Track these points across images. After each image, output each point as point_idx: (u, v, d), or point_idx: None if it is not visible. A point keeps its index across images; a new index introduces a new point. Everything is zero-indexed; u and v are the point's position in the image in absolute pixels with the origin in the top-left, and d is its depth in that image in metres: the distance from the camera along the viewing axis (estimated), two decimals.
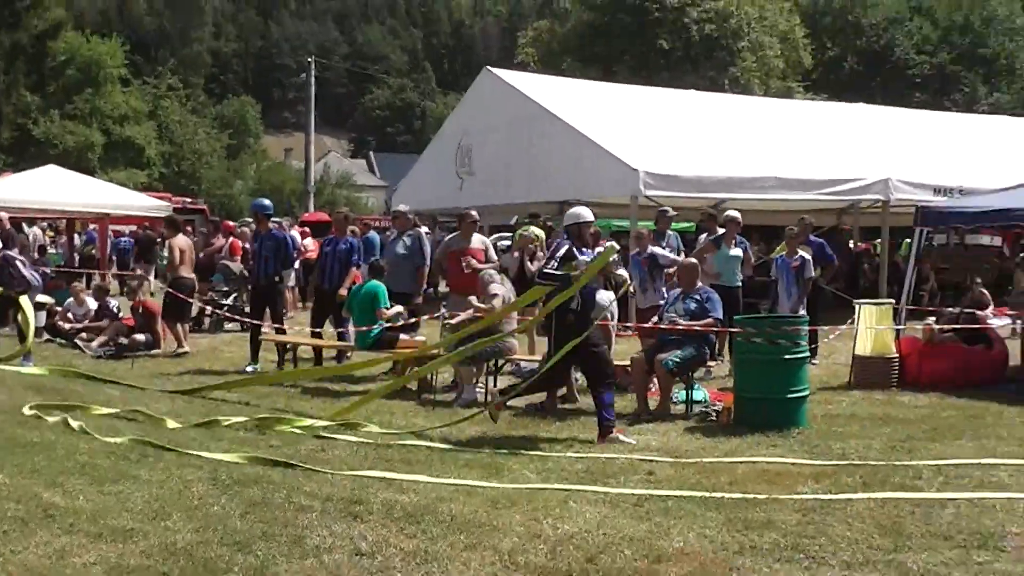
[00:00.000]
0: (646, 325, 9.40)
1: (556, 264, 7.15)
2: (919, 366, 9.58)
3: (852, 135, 17.42)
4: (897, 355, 9.69)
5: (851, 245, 18.16)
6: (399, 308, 9.77)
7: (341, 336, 10.70)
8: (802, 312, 9.98)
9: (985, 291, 11.46)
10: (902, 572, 4.39)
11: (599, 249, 7.79)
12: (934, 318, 10.73)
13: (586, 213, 7.65)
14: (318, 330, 10.85)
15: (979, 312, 10.55)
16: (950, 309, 10.85)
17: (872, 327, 9.73)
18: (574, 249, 7.29)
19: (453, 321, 9.05)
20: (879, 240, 17.09)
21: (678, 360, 8.09)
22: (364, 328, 9.53)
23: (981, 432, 7.47)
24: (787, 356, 7.51)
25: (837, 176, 14.55)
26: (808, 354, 8.12)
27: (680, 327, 8.40)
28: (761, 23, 41.25)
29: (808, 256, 10.80)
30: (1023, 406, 8.45)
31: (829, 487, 5.82)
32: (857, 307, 10.07)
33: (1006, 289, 15.33)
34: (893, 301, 10.55)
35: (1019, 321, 11.70)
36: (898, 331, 10.07)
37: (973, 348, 9.97)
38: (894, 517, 5.20)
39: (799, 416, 7.55)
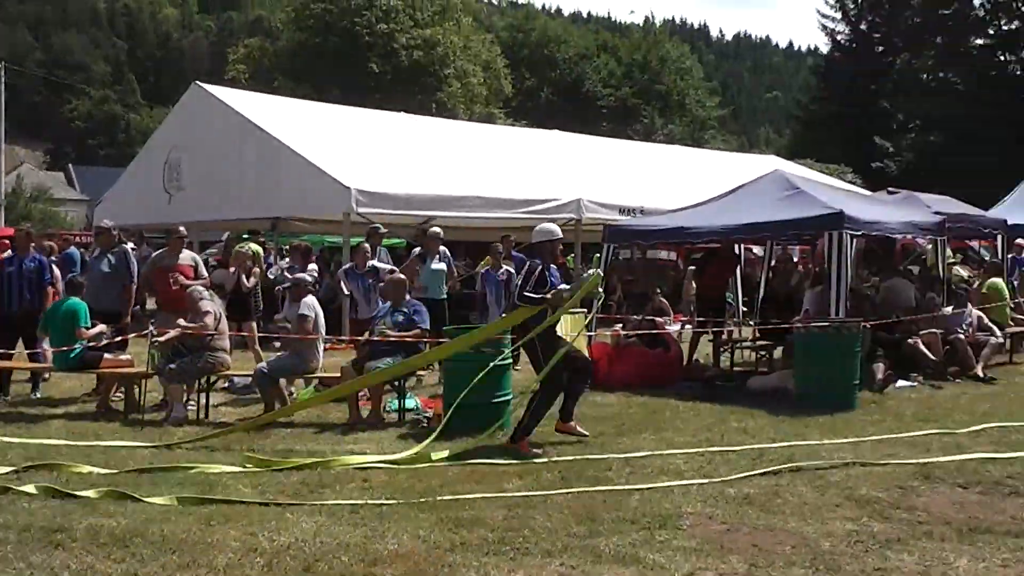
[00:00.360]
0: (359, 337, 9.59)
1: (532, 286, 7.21)
2: (608, 369, 10.42)
3: (548, 159, 18.56)
4: (591, 359, 10.48)
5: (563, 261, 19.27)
6: (101, 327, 9.19)
7: (34, 357, 9.87)
8: None
9: (664, 300, 12.70)
10: (596, 555, 4.77)
11: (590, 272, 7.71)
12: (621, 325, 11.76)
13: (556, 231, 7.74)
14: (10, 352, 9.91)
15: (658, 319, 11.67)
16: (635, 317, 11.92)
17: (568, 334, 10.46)
18: (546, 271, 7.37)
19: (162, 339, 8.69)
20: (573, 255, 18.31)
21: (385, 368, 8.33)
22: (64, 348, 8.88)
23: (661, 426, 8.24)
24: (492, 363, 7.90)
25: (535, 196, 15.47)
26: (512, 361, 8.62)
27: (391, 338, 8.64)
28: (466, 52, 42.93)
29: (512, 270, 11.49)
30: (694, 401, 9.44)
31: (532, 483, 6.20)
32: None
33: (679, 298, 17.00)
34: (585, 310, 11.40)
35: (688, 326, 13.01)
36: (590, 337, 10.93)
37: (654, 351, 11.00)
38: (588, 507, 5.63)
39: (504, 419, 7.96)
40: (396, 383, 8.69)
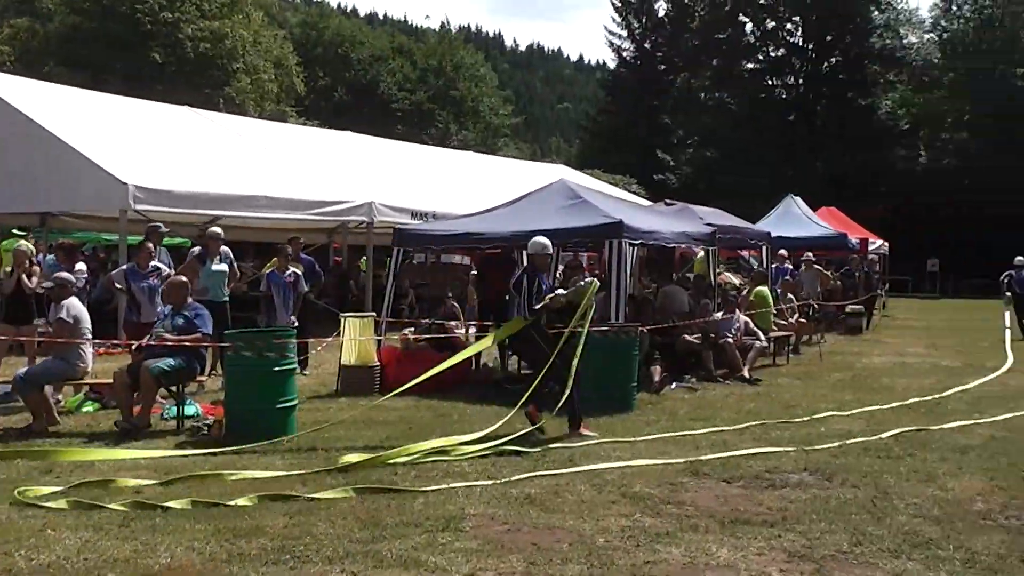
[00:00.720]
0: (132, 341, 9.08)
1: (535, 299, 8.07)
2: (397, 372, 10.39)
3: (340, 160, 18.30)
4: (378, 363, 10.46)
5: (340, 262, 19.04)
6: None
7: None
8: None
9: (456, 304, 12.80)
10: (378, 560, 4.75)
11: (587, 279, 8.68)
12: (411, 328, 11.77)
13: (548, 246, 8.54)
14: None
15: (448, 323, 11.76)
16: (425, 320, 11.97)
17: (356, 338, 10.39)
18: (540, 280, 8.21)
19: None
20: (365, 258, 18.17)
21: (165, 368, 8.02)
22: None
23: (449, 429, 8.30)
24: (276, 368, 7.72)
25: (326, 198, 15.21)
26: (296, 365, 8.44)
27: (168, 342, 8.25)
28: (256, 47, 41.61)
29: (299, 272, 11.26)
30: (481, 404, 9.60)
31: (315, 490, 6.08)
32: (343, 320, 10.68)
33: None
34: (375, 314, 11.36)
35: (474, 329, 13.20)
36: (379, 341, 10.88)
37: (442, 355, 11.07)
38: (373, 511, 5.60)
39: (289, 425, 7.79)
40: (173, 389, 8.31)
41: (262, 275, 12.18)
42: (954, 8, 51.71)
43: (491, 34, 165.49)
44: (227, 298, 10.92)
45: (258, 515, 5.48)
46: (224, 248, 11.16)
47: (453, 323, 11.99)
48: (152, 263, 10.18)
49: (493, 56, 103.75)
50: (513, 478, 6.43)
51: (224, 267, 10.91)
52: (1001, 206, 44.23)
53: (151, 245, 10.55)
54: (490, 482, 6.35)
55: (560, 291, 8.45)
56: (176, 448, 7.42)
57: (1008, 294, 19.34)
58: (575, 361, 7.97)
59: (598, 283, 8.67)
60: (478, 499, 5.95)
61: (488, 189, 18.16)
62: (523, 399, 8.06)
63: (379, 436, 7.89)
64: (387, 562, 4.74)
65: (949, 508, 5.83)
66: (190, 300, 8.89)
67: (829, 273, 21.17)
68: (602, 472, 6.69)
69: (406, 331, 11.78)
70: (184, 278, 9.30)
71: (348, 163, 18.23)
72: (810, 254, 19.04)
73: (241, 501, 5.71)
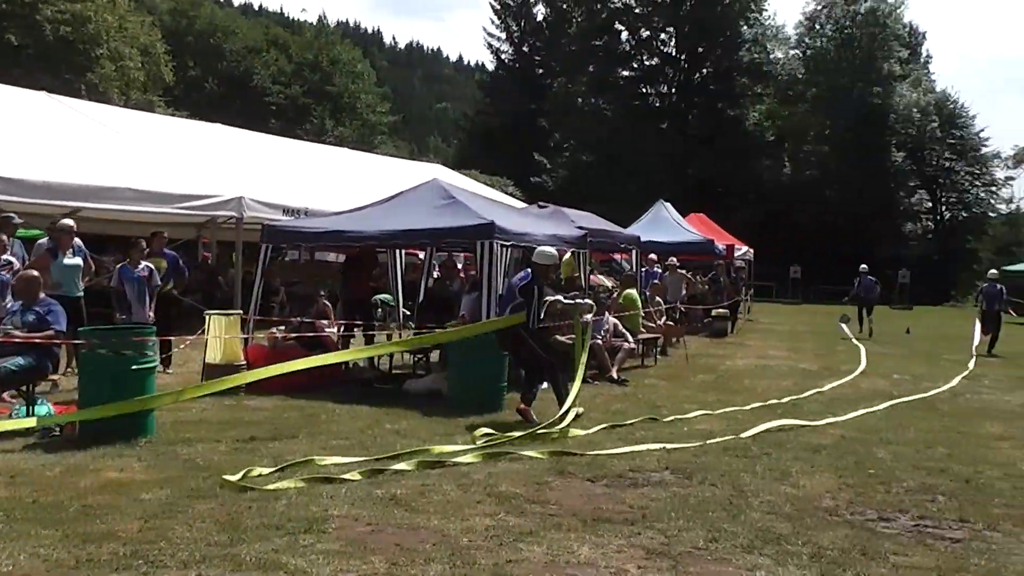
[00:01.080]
0: None
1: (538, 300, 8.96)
2: None
3: (210, 153, 17.75)
4: (245, 362, 10.20)
5: (209, 257, 18.51)
6: None
7: None
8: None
9: (328, 303, 12.60)
10: (236, 563, 4.63)
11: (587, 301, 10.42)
12: (282, 327, 11.53)
13: (555, 256, 9.55)
14: None
15: (319, 321, 11.58)
16: (295, 319, 11.74)
17: (221, 336, 10.11)
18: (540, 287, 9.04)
19: None
20: (234, 253, 17.68)
21: (13, 368, 7.69)
22: None
23: (316, 429, 8.20)
24: (134, 366, 7.44)
25: (194, 191, 14.71)
26: (156, 363, 8.15)
27: (17, 339, 7.85)
28: (121, 33, 39.96)
29: (153, 267, 10.94)
30: (351, 404, 9.49)
31: (173, 492, 5.90)
32: (208, 317, 10.38)
33: None
34: (242, 312, 11.08)
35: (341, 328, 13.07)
36: (246, 339, 10.62)
37: (313, 354, 10.90)
38: (233, 514, 5.46)
39: (148, 425, 7.52)
40: (24, 388, 7.91)
41: (114, 270, 11.72)
42: (817, 27, 54.26)
43: (370, 30, 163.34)
44: (82, 293, 10.47)
45: (111, 519, 5.27)
46: (77, 241, 10.69)
47: (324, 322, 11.81)
48: (3, 256, 9.67)
49: (372, 53, 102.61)
50: (379, 479, 6.38)
51: (78, 261, 10.46)
52: (854, 218, 46.94)
53: (4, 237, 10.03)
54: (355, 482, 6.28)
55: (559, 298, 9.53)
56: (26, 451, 7.05)
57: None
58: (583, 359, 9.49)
59: (593, 305, 10.28)
60: (343, 500, 5.87)
61: (363, 187, 17.96)
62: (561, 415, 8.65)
63: (243, 437, 7.69)
64: (246, 565, 4.62)
65: (800, 505, 6.09)
66: (42, 296, 8.48)
67: (697, 278, 21.89)
68: (469, 471, 6.71)
69: (274, 329, 11.53)
70: (35, 272, 8.87)
71: (218, 156, 17.70)
72: (674, 259, 19.60)
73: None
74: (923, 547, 5.29)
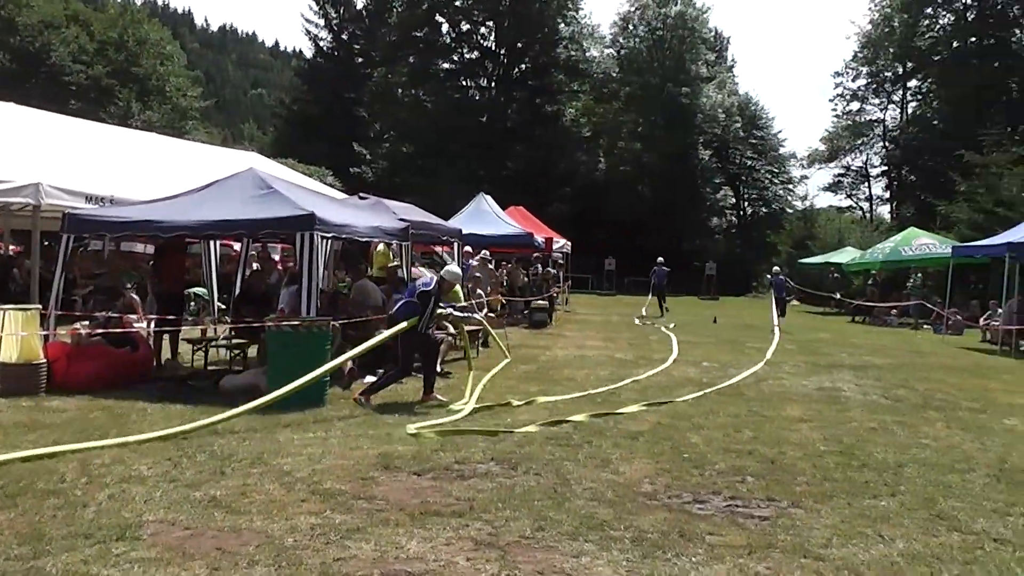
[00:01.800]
0: None
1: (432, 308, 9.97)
2: (67, 370, 9.56)
3: (2, 135, 16.45)
4: (45, 360, 9.53)
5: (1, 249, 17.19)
6: None
7: None
8: None
9: (136, 297, 11.98)
10: None
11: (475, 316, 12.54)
12: (86, 322, 10.83)
13: (460, 276, 11.41)
14: None
15: (127, 316, 10.97)
16: (101, 313, 11.05)
17: (16, 333, 9.39)
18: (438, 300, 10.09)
19: None
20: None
21: None
22: None
23: (127, 430, 7.76)
24: None
25: None
26: None
27: None
28: None
29: None
30: (164, 403, 9.07)
31: None
32: (2, 313, 9.61)
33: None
34: (40, 307, 10.33)
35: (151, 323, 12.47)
36: (46, 336, 9.92)
37: (120, 351, 10.34)
38: (35, 524, 5.11)
39: None
40: None
41: None
42: (631, 27, 56.23)
43: (179, 10, 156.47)
44: None
45: None
46: None
47: (133, 316, 11.20)
48: None
49: (182, 34, 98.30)
50: (197, 480, 6.13)
51: None
52: (665, 213, 49.17)
53: None
54: (171, 485, 6.00)
55: (450, 310, 10.80)
56: None
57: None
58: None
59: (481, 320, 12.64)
60: (157, 504, 5.61)
61: (174, 174, 17.08)
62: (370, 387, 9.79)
63: (45, 440, 7.19)
64: None
65: (621, 491, 6.29)
66: None
67: (521, 271, 22.27)
68: (292, 469, 6.55)
69: (78, 325, 10.81)
70: None
71: (11, 139, 16.41)
72: (486, 252, 19.74)
73: None
74: (735, 526, 5.58)
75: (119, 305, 11.38)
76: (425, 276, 10.86)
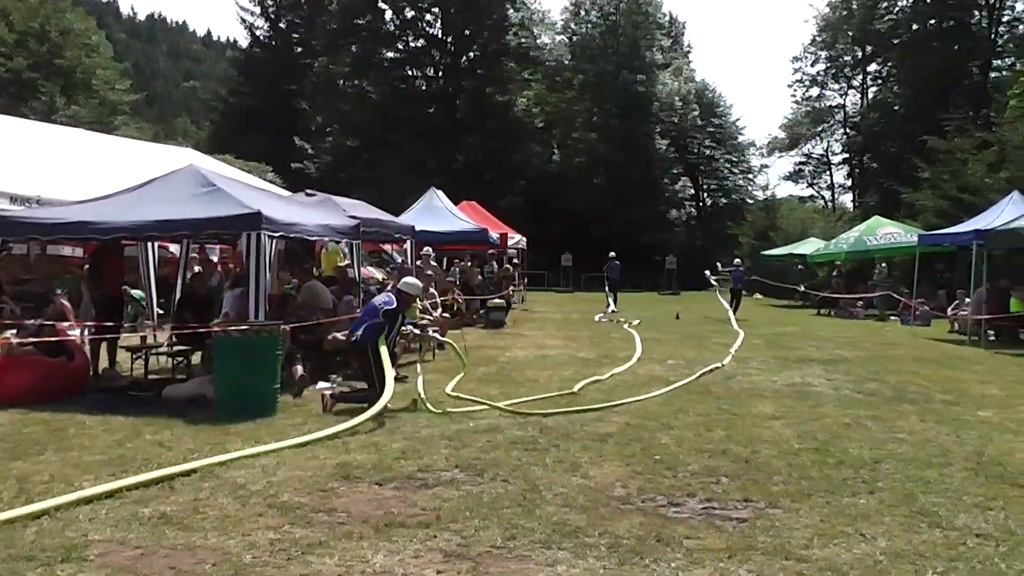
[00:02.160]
0: None
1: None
2: None
3: None
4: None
5: None
6: None
7: None
8: None
9: (67, 303, 11.39)
10: None
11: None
12: (15, 331, 10.24)
13: (420, 288, 10.96)
14: None
15: (60, 324, 10.44)
16: (31, 321, 10.47)
17: None
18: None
19: None
20: None
21: None
22: None
23: (65, 444, 7.38)
24: None
25: None
26: None
27: None
28: None
29: None
30: (103, 415, 8.64)
31: None
32: None
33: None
34: None
35: (86, 331, 11.94)
36: None
37: (54, 360, 9.84)
38: None
39: None
40: None
41: None
42: (582, 13, 55.24)
43: None
44: None
45: None
46: None
47: (66, 324, 10.66)
48: None
49: (107, 24, 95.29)
50: (144, 496, 5.79)
51: None
52: (622, 205, 48.15)
53: None
54: (117, 502, 5.66)
55: (411, 327, 10.57)
56: None
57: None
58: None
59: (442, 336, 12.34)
60: (103, 522, 5.30)
61: (105, 173, 16.45)
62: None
63: None
64: None
65: (593, 496, 6.07)
66: None
67: (476, 269, 21.97)
68: (246, 482, 6.22)
69: (7, 334, 10.21)
70: None
71: None
72: (429, 248, 19.26)
73: None
74: (713, 529, 5.40)
75: (49, 312, 10.83)
76: (382, 295, 10.30)
